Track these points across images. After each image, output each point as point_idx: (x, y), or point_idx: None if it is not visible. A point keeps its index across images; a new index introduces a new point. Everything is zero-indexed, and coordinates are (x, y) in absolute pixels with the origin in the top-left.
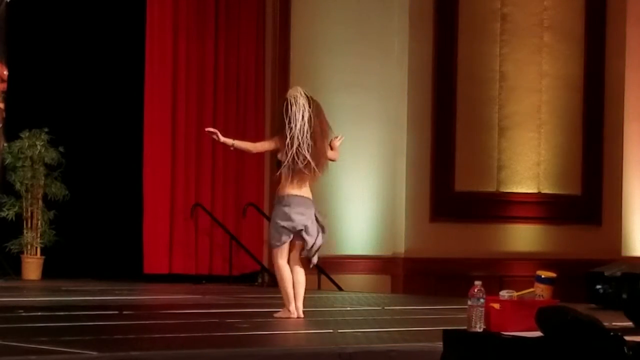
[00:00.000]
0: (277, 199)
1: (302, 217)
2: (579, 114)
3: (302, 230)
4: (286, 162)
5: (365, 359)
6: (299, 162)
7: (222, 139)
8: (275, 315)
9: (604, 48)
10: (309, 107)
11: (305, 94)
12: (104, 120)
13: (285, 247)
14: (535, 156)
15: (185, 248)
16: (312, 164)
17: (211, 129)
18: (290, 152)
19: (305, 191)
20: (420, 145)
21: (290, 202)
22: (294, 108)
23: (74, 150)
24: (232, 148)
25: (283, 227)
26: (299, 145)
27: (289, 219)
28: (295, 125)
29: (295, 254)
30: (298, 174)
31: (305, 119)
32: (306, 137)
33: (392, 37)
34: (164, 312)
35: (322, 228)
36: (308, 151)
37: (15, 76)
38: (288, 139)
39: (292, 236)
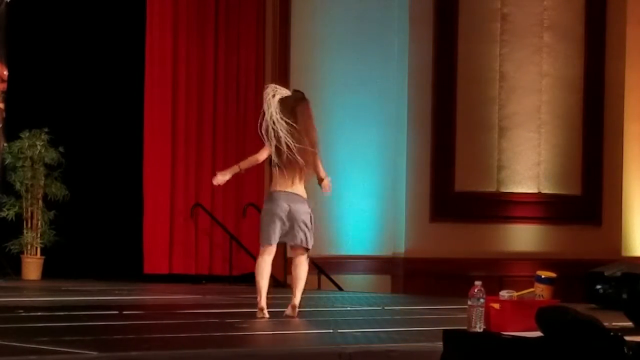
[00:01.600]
0: (265, 197)
1: (284, 214)
2: (579, 114)
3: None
4: (272, 160)
5: (365, 359)
6: (283, 159)
7: (229, 174)
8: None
9: (604, 48)
10: (278, 104)
11: (278, 90)
12: (104, 120)
13: (269, 248)
14: (535, 156)
15: (185, 248)
16: (299, 159)
17: (218, 181)
18: (271, 150)
19: (295, 188)
20: (420, 145)
21: (273, 198)
22: (266, 107)
23: (74, 150)
24: (242, 172)
25: (267, 224)
26: (277, 142)
27: (272, 215)
28: (269, 124)
29: (296, 248)
30: (285, 171)
31: (274, 117)
32: (281, 133)
33: (392, 37)
34: (164, 312)
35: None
36: (289, 147)
37: (15, 76)
38: (266, 138)
39: (277, 236)
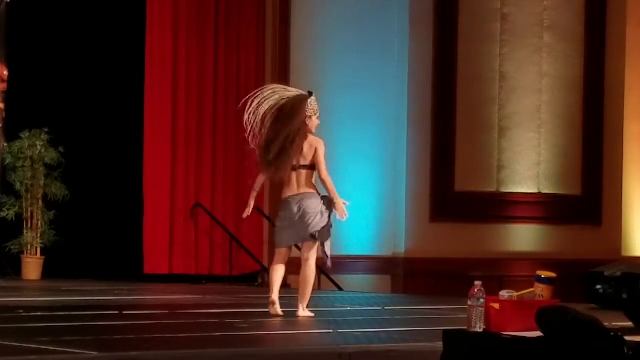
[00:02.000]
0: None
1: (296, 217)
2: (579, 114)
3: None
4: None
5: (365, 359)
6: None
7: (252, 202)
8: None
9: (604, 48)
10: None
11: (270, 97)
12: (104, 120)
13: (281, 250)
14: (535, 156)
15: (185, 248)
16: (284, 163)
17: (248, 212)
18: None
19: (303, 189)
20: (420, 145)
21: (284, 204)
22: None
23: (74, 150)
24: (259, 190)
25: (279, 230)
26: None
27: (283, 220)
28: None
29: (304, 251)
30: (286, 178)
31: (253, 120)
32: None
33: (392, 37)
34: (164, 312)
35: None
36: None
37: (15, 76)
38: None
39: (288, 241)
